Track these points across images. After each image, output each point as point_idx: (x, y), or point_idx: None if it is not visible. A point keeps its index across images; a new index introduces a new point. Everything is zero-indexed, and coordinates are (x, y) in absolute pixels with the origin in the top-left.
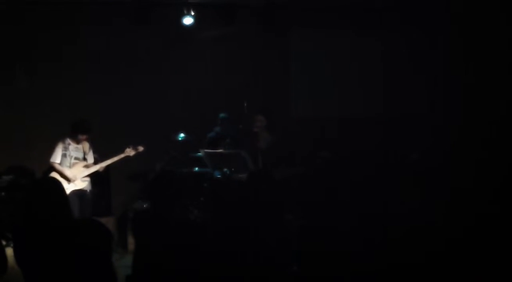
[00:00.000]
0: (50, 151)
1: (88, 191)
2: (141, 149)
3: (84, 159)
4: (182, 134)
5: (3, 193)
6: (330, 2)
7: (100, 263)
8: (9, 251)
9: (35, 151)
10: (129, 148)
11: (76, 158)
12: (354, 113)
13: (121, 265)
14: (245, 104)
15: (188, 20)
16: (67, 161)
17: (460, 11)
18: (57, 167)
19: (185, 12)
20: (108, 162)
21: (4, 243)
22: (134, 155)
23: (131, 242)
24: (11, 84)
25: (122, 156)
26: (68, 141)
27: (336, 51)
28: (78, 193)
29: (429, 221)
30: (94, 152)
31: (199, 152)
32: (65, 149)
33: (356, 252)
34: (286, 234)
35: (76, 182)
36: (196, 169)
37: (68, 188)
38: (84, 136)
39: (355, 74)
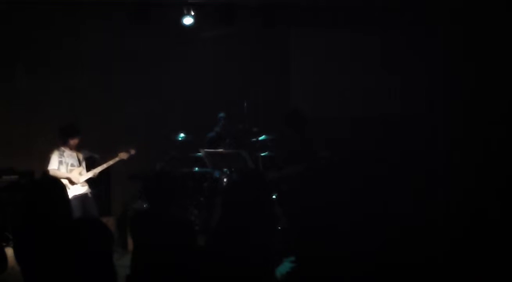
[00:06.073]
0: (50, 152)
1: (88, 193)
2: (133, 151)
3: (79, 166)
4: (182, 134)
5: (3, 193)
6: (330, 2)
7: (101, 262)
8: (9, 251)
9: (35, 151)
10: (121, 151)
11: (72, 165)
12: (354, 113)
13: (121, 265)
14: (245, 104)
15: (188, 20)
16: (64, 168)
17: (460, 9)
18: (57, 172)
19: (185, 12)
20: (102, 167)
21: (4, 244)
22: (128, 158)
23: (131, 242)
24: (11, 83)
25: (116, 159)
26: (62, 148)
27: (336, 50)
28: (80, 197)
29: None
30: (94, 153)
31: (199, 152)
32: (61, 156)
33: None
34: (277, 234)
35: (76, 187)
36: (196, 169)
37: (69, 193)
38: (75, 140)
39: (355, 73)
